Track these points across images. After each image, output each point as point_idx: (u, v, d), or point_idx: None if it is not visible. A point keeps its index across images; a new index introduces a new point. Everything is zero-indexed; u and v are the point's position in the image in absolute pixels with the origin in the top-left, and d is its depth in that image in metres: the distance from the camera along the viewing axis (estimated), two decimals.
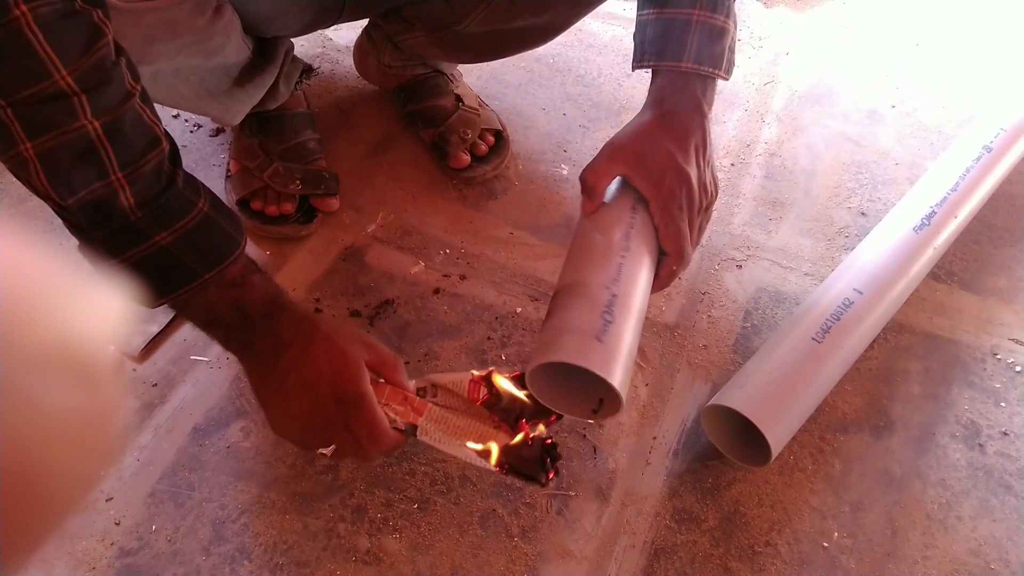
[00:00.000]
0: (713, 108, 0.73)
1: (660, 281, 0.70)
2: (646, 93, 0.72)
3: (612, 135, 0.72)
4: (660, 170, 0.67)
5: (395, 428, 0.62)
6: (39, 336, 0.22)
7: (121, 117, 0.54)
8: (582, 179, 0.69)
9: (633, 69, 0.74)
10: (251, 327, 0.61)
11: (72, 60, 0.50)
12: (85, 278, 0.25)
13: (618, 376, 0.58)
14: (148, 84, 0.72)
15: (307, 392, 0.60)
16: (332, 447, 0.62)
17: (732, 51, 0.73)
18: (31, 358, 0.21)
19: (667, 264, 0.69)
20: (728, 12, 0.71)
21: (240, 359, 0.63)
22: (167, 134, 0.58)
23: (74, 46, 0.50)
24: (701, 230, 0.71)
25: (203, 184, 0.61)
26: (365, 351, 0.63)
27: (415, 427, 0.63)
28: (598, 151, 0.70)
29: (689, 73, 0.70)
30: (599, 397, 0.62)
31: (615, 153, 0.69)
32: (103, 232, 0.56)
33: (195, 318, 0.62)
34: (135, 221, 0.56)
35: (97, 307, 0.25)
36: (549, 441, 0.63)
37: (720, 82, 1.12)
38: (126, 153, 0.54)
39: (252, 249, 0.91)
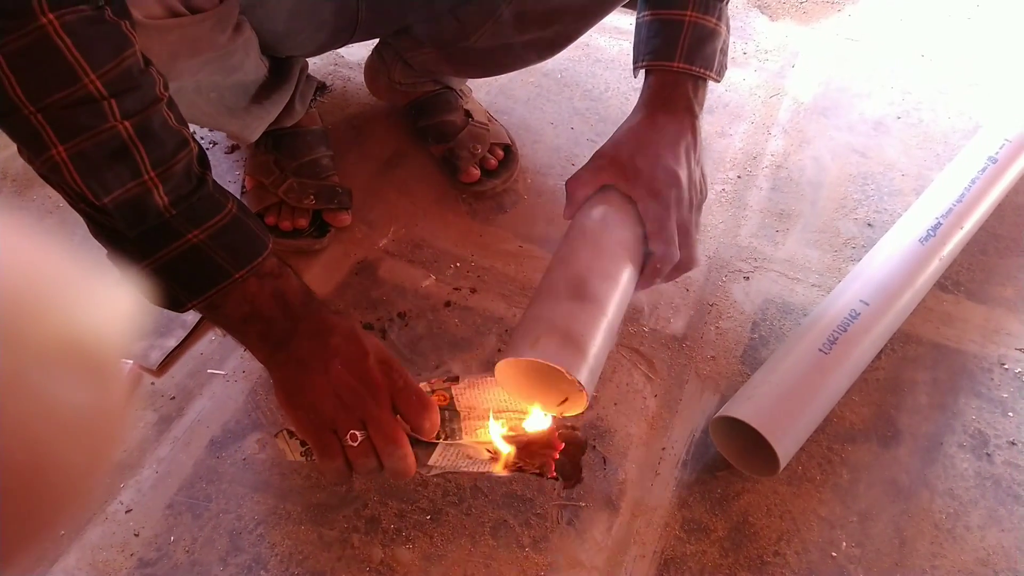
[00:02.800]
0: (713, 113, 0.74)
1: (644, 279, 0.70)
2: None
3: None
4: (647, 172, 0.67)
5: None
6: (48, 331, 0.22)
7: (150, 119, 0.55)
8: (566, 185, 0.71)
9: (635, 74, 0.75)
10: (294, 314, 0.61)
11: (101, 65, 0.51)
12: (96, 274, 0.25)
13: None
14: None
15: (354, 367, 0.60)
16: (363, 433, 0.59)
17: (724, 53, 0.73)
18: (39, 353, 0.22)
19: (651, 263, 0.69)
20: (720, 15, 0.72)
21: (275, 352, 0.62)
22: (194, 138, 0.60)
23: (103, 52, 0.51)
24: (696, 227, 0.71)
25: (228, 190, 0.62)
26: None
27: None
28: (588, 159, 0.71)
29: (680, 73, 0.71)
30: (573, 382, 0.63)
31: (600, 163, 0.70)
32: (137, 232, 0.56)
33: (232, 315, 0.61)
34: (169, 219, 0.57)
35: (106, 302, 0.25)
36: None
37: (727, 95, 1.13)
38: (158, 152, 0.55)
39: None
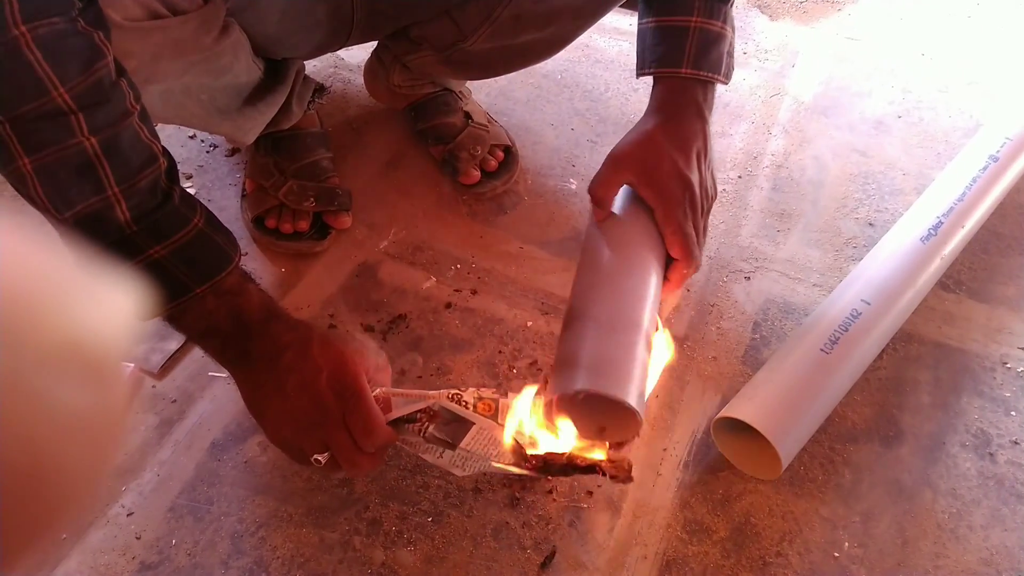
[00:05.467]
0: (714, 113, 0.75)
1: (671, 284, 0.72)
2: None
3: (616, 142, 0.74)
4: (664, 179, 0.69)
5: (390, 423, 0.63)
6: (48, 334, 0.22)
7: (118, 134, 0.55)
8: (590, 191, 0.71)
9: (637, 77, 0.75)
10: (248, 334, 0.62)
11: (70, 78, 0.51)
12: (96, 276, 0.25)
13: (625, 391, 0.60)
14: (157, 103, 0.74)
15: (306, 390, 0.60)
16: (327, 453, 0.62)
17: (731, 55, 0.74)
18: (40, 356, 0.22)
19: (677, 268, 0.71)
20: (725, 17, 0.72)
21: (234, 369, 0.64)
22: (165, 152, 0.60)
23: (73, 65, 0.51)
24: (704, 231, 0.73)
25: (199, 201, 0.63)
26: (358, 352, 0.64)
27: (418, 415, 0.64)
28: (603, 162, 0.72)
29: (688, 79, 0.71)
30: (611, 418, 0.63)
31: (619, 162, 0.71)
32: (99, 246, 0.57)
33: (191, 328, 0.63)
34: (130, 235, 0.57)
35: (107, 305, 0.25)
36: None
37: (727, 95, 1.13)
38: (123, 169, 0.56)
39: (263, 267, 0.93)
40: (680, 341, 0.87)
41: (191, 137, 1.06)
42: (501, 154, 1.01)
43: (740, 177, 1.04)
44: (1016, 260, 0.95)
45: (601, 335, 0.63)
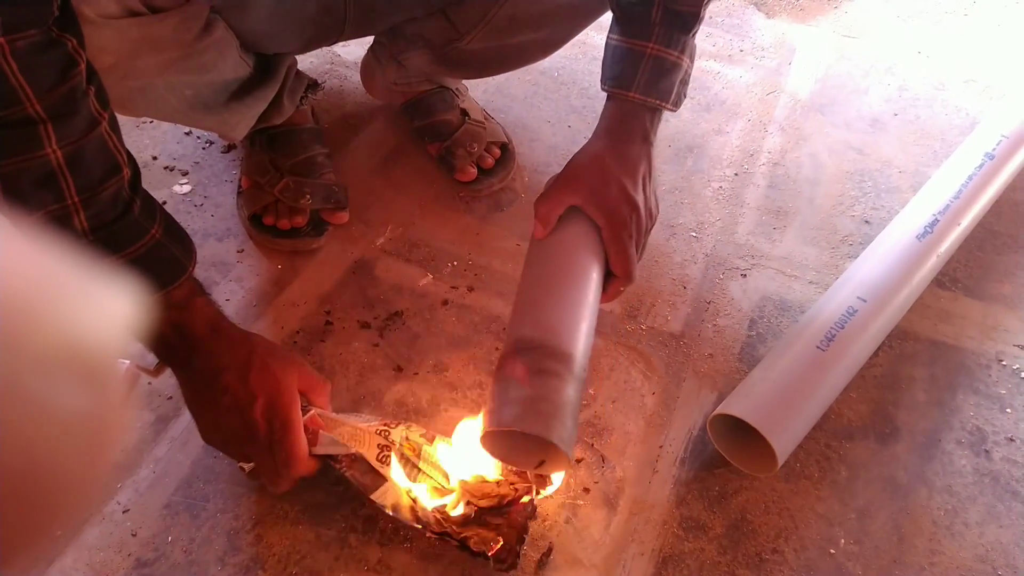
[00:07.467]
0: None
1: (606, 296, 0.73)
2: None
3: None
4: (612, 201, 0.70)
5: (314, 455, 0.68)
6: (45, 336, 0.22)
7: (84, 146, 0.56)
8: (536, 207, 0.72)
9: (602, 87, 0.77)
10: (190, 347, 0.64)
11: (43, 90, 0.53)
12: (91, 276, 0.25)
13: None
14: (138, 98, 0.74)
15: (240, 412, 0.64)
16: (252, 464, 0.68)
17: (685, 84, 0.75)
18: (36, 358, 0.22)
19: (615, 284, 0.72)
20: (684, 47, 0.73)
21: (176, 372, 0.67)
22: (131, 160, 0.61)
23: (46, 77, 0.53)
24: (643, 249, 0.75)
25: (162, 209, 0.64)
26: (297, 375, 0.67)
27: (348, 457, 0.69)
28: (551, 181, 0.73)
29: (637, 103, 0.73)
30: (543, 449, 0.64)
31: (568, 184, 0.72)
32: (58, 245, 0.58)
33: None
34: (86, 243, 0.58)
35: (102, 305, 0.25)
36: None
37: (724, 92, 1.13)
38: (85, 180, 0.57)
39: (259, 264, 0.93)
40: (677, 338, 0.87)
41: (187, 134, 1.05)
42: (498, 151, 1.01)
43: (736, 175, 1.04)
44: (1012, 258, 0.95)
45: (536, 369, 0.63)
